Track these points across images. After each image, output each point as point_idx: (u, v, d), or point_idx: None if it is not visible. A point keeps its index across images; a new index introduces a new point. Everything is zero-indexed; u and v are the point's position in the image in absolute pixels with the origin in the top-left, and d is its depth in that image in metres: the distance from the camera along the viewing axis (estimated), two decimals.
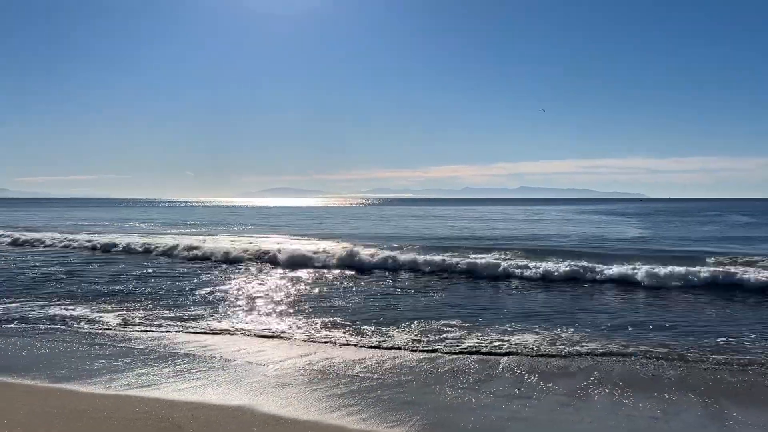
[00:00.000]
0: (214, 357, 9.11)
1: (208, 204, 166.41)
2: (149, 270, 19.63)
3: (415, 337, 10.53)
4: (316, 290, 15.59)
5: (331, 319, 12.05)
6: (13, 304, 13.39)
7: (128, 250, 24.84)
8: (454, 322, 11.70)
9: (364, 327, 11.31)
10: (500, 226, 45.49)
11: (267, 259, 21.27)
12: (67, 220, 55.16)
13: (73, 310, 12.93)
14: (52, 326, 11.33)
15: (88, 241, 27.11)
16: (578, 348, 9.82)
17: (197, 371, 8.33)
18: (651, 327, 11.40)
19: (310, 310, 12.92)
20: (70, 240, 27.92)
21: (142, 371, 8.33)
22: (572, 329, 11.15)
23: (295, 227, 43.61)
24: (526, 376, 8.32)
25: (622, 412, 6.91)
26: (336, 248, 22.28)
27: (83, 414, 6.35)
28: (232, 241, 28.14)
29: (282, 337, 10.56)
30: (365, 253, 20.66)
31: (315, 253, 20.90)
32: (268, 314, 12.63)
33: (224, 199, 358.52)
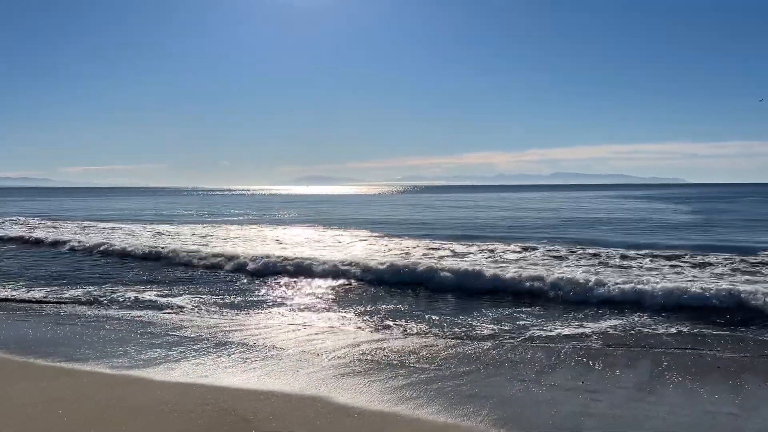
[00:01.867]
0: (266, 346, 9.03)
1: (246, 192, 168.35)
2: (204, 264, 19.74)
3: (469, 326, 10.31)
4: (366, 287, 15.13)
5: (383, 310, 11.95)
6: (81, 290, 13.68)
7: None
8: (508, 311, 11.49)
9: (415, 318, 11.15)
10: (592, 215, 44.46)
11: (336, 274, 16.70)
12: (124, 210, 56.37)
13: (124, 293, 13.15)
14: (105, 313, 11.45)
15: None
16: (643, 332, 9.59)
17: (253, 360, 8.25)
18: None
19: (361, 303, 12.76)
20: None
21: (199, 360, 8.28)
22: (641, 316, 10.82)
23: (348, 217, 43.80)
24: (591, 364, 8.03)
25: (700, 408, 6.56)
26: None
27: (146, 406, 6.29)
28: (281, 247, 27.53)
29: (333, 328, 10.44)
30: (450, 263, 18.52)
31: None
32: (319, 306, 12.60)
33: (261, 187, 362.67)
